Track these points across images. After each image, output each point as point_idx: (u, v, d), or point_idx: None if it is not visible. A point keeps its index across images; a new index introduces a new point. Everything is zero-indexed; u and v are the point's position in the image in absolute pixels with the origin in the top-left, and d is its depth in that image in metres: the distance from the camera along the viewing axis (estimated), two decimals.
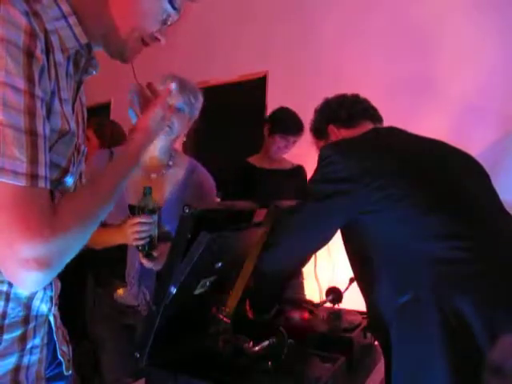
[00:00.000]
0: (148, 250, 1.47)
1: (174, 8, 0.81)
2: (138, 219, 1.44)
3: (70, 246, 0.65)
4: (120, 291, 1.61)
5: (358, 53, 2.71)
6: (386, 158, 1.14)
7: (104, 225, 1.59)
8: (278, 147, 2.33)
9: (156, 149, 1.63)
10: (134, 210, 1.50)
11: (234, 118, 3.50)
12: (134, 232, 1.44)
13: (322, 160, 1.18)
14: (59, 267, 0.64)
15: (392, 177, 1.10)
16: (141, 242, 1.45)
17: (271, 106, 3.23)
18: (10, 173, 0.59)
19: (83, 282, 1.75)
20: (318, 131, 1.49)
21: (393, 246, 1.09)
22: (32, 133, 0.61)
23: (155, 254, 1.47)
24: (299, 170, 2.43)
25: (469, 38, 2.41)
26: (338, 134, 1.40)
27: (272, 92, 3.19)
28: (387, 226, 1.09)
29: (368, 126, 1.36)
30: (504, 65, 2.31)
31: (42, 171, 0.62)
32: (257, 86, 3.26)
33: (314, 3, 3.02)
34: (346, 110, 1.40)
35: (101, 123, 2.58)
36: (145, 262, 1.50)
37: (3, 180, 0.59)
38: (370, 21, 2.72)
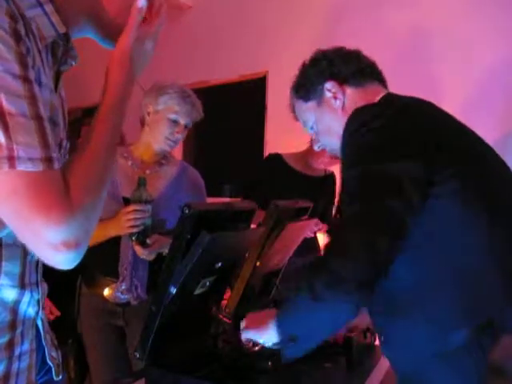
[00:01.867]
0: (142, 238, 1.50)
1: None
2: (132, 207, 1.48)
3: (90, 219, 0.65)
4: (109, 290, 1.60)
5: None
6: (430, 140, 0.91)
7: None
8: (323, 161, 2.21)
9: (154, 148, 1.69)
10: (128, 202, 1.52)
11: (234, 118, 3.50)
12: (129, 220, 1.47)
13: (366, 125, 0.91)
14: (87, 241, 0.65)
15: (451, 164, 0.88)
16: (135, 230, 1.48)
17: (271, 106, 3.24)
18: (27, 160, 0.58)
19: (73, 281, 1.74)
20: (307, 89, 1.12)
21: (447, 259, 0.86)
22: (38, 117, 0.61)
23: (149, 241, 1.51)
24: (330, 178, 2.32)
25: (470, 38, 2.40)
26: (338, 92, 1.07)
27: (272, 92, 3.19)
28: (440, 229, 0.86)
29: (379, 89, 1.08)
30: (505, 65, 2.31)
31: (53, 153, 0.62)
32: (257, 86, 3.26)
33: (315, 3, 3.02)
34: (349, 63, 1.09)
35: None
36: (138, 249, 1.53)
37: (22, 168, 0.58)
38: (371, 20, 2.72)
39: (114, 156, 0.73)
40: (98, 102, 0.73)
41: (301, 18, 3.04)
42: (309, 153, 2.24)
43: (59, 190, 0.61)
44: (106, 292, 1.60)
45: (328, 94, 1.08)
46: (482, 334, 0.80)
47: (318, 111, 1.11)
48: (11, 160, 0.58)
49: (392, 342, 0.92)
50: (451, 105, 2.43)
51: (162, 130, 1.63)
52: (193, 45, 3.62)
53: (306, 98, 1.12)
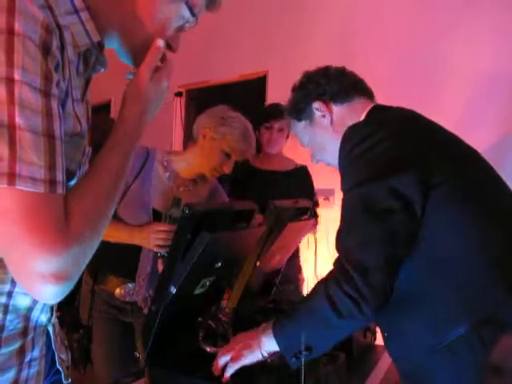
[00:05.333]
0: None
1: (192, 15, 0.77)
2: (164, 227, 1.46)
3: (86, 252, 0.62)
4: (120, 290, 1.62)
5: (358, 53, 2.71)
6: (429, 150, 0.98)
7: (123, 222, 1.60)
8: (267, 140, 2.29)
9: (197, 170, 1.65)
10: (158, 216, 1.52)
11: None
12: (158, 239, 1.46)
13: (358, 146, 0.98)
14: (78, 276, 0.61)
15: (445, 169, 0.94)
16: (163, 250, 1.48)
17: None
18: (28, 179, 0.55)
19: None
20: (298, 110, 1.21)
21: (445, 257, 0.90)
22: (50, 135, 0.57)
23: None
24: (301, 171, 2.36)
25: (470, 39, 2.41)
26: (325, 111, 1.16)
27: (272, 92, 3.19)
28: (440, 232, 0.91)
29: (364, 103, 1.15)
30: (505, 65, 2.31)
31: (59, 176, 0.58)
32: (257, 86, 3.26)
33: (314, 3, 3.02)
34: (334, 82, 1.17)
35: (95, 121, 2.73)
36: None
37: (21, 187, 0.54)
38: (371, 20, 2.72)
39: (121, 186, 0.70)
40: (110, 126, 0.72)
41: (301, 17, 3.04)
42: (261, 146, 2.33)
43: (58, 216, 0.58)
44: (117, 292, 1.61)
45: (317, 113, 1.17)
46: (483, 328, 0.84)
47: (310, 130, 1.20)
48: (11, 177, 0.54)
49: (395, 338, 0.98)
50: (452, 105, 2.44)
51: (213, 159, 1.59)
52: (193, 45, 3.62)
53: (298, 118, 1.22)
